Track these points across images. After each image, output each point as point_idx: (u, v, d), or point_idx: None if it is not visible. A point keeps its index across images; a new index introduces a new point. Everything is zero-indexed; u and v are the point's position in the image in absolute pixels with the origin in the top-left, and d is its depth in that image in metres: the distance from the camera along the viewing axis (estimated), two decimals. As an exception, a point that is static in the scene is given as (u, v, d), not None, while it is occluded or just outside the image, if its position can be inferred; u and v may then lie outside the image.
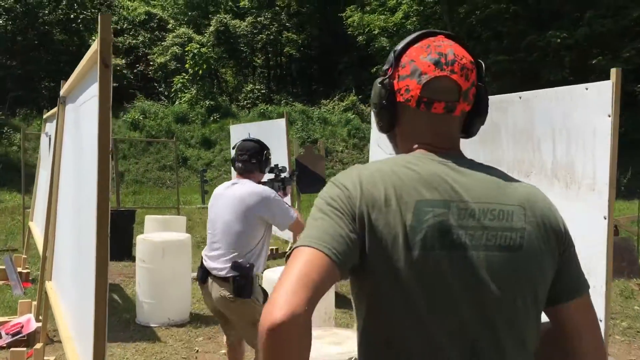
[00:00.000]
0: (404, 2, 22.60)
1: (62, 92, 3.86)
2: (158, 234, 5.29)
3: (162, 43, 26.41)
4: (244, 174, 3.47)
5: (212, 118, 22.77)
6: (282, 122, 5.38)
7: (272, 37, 27.84)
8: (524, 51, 17.88)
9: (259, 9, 28.25)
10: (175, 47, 25.67)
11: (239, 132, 6.92)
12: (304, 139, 20.71)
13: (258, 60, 29.42)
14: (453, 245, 1.08)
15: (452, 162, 1.16)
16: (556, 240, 1.16)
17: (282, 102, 25.19)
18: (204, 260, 3.43)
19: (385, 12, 23.24)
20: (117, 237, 7.14)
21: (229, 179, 20.92)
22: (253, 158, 3.48)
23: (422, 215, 1.07)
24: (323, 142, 9.28)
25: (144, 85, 26.06)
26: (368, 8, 23.54)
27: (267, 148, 3.60)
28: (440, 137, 1.18)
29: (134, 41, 26.91)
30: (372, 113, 1.34)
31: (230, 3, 29.84)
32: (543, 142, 2.74)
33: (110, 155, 2.09)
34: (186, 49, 24.15)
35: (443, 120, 1.18)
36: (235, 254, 3.29)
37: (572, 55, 17.39)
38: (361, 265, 1.08)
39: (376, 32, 22.56)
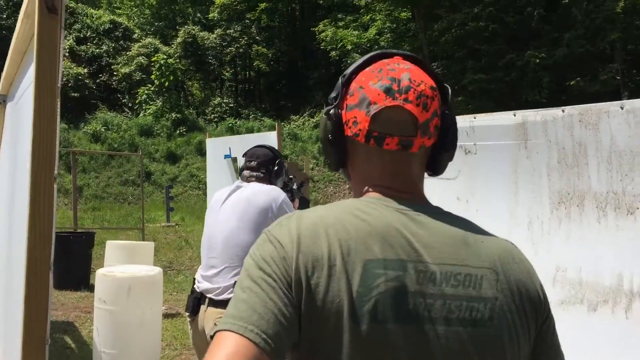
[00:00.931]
0: (377, 18, 22.23)
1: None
2: (122, 268, 4.42)
3: (127, 53, 25.43)
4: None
5: (178, 131, 22.01)
6: (273, 135, 4.63)
7: (241, 50, 27.24)
8: (502, 70, 17.60)
9: (229, 22, 27.59)
10: (140, 58, 24.75)
11: (217, 147, 6.13)
12: (274, 156, 19.99)
13: (226, 74, 28.73)
14: (408, 317, 0.90)
15: (411, 210, 0.98)
16: (534, 312, 0.99)
17: (251, 116, 24.61)
18: (197, 283, 2.77)
19: (359, 28, 22.84)
20: (72, 263, 6.23)
21: (195, 195, 20.14)
22: (263, 167, 2.91)
23: (372, 280, 0.90)
24: (307, 160, 8.53)
25: (107, 96, 25.03)
26: (341, 23, 23.09)
27: (280, 157, 3.03)
28: (397, 178, 1.02)
29: (97, 50, 25.83)
30: (322, 147, 1.13)
31: (198, 14, 29.12)
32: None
33: (56, 160, 1.38)
34: (152, 60, 23.27)
35: (399, 158, 1.01)
36: (240, 269, 2.60)
37: (550, 76, 17.17)
38: (300, 342, 0.90)
39: (349, 47, 22.07)
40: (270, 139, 4.62)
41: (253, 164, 2.92)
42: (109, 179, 19.23)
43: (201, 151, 21.03)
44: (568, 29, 16.68)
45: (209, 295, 2.66)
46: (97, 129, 20.63)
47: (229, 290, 2.63)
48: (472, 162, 2.99)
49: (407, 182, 1.03)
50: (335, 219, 0.94)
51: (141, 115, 22.81)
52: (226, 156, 5.66)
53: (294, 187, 3.12)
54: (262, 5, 27.48)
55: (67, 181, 18.50)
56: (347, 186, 19.45)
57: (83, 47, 25.27)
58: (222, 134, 20.99)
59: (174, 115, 22.37)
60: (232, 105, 26.48)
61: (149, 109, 22.73)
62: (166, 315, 4.90)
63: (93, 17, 27.11)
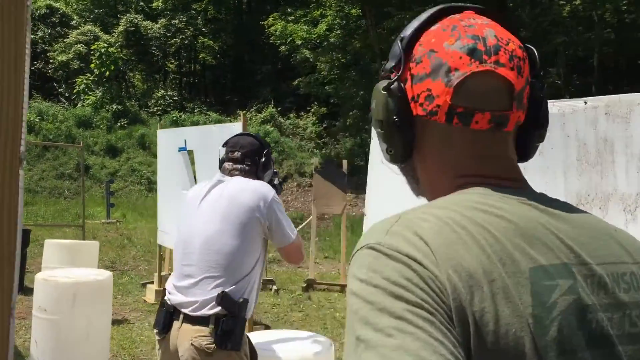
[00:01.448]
0: (328, 14, 21.99)
1: None
2: (65, 271, 3.91)
3: (65, 40, 24.23)
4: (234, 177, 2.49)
5: (119, 124, 21.11)
6: (237, 126, 4.22)
7: (186, 41, 26.49)
8: (452, 70, 17.73)
9: (173, 12, 26.73)
10: (79, 45, 23.63)
11: (170, 139, 5.66)
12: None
13: (171, 65, 27.88)
14: (596, 340, 0.67)
15: (533, 200, 0.75)
16: None
17: (196, 110, 23.93)
18: (169, 295, 2.35)
19: (309, 23, 22.55)
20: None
21: (137, 191, 19.41)
22: (248, 159, 2.48)
23: (546, 295, 0.67)
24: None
25: (42, 84, 23.78)
26: (291, 17, 22.74)
27: (268, 147, 2.60)
28: (497, 164, 0.78)
29: (32, 36, 24.37)
30: (376, 134, 0.86)
31: (141, 3, 28.09)
32: None
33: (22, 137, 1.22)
34: (92, 48, 22.22)
35: (493, 139, 0.78)
36: (222, 279, 2.26)
37: (499, 77, 17.44)
38: None
39: (299, 42, 21.75)
40: (233, 131, 4.22)
41: (236, 154, 2.50)
42: (43, 172, 18.19)
43: (143, 145, 20.24)
44: (516, 32, 16.96)
45: (183, 310, 2.27)
46: (31, 119, 19.47)
47: (209, 305, 2.24)
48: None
49: (509, 168, 0.80)
50: (465, 217, 0.70)
51: (79, 105, 21.78)
52: (181, 149, 5.21)
53: (276, 182, 2.71)
54: (209, -4, 26.81)
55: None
56: (296, 183, 19.11)
57: (17, 32, 23.97)
58: (166, 127, 20.25)
59: (114, 107, 21.44)
60: (176, 98, 25.72)
61: (88, 99, 21.73)
62: (112, 322, 4.44)
63: (28, 1, 25.74)
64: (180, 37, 26.22)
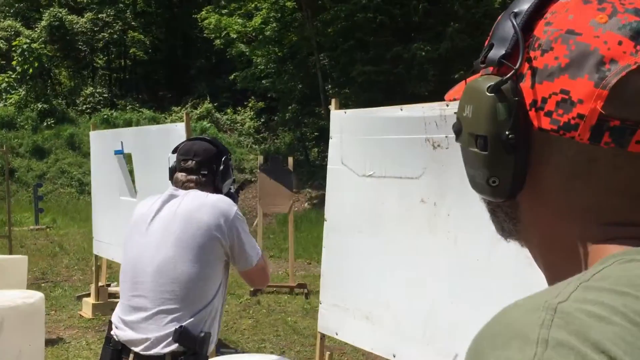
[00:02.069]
0: (263, 7, 21.61)
1: None
2: None
3: (-17, 36, 22.83)
4: (188, 189, 2.21)
5: (45, 123, 20.07)
6: (180, 127, 3.88)
7: (115, 36, 25.46)
8: (390, 63, 17.73)
9: (100, 5, 25.62)
10: (-1, 42, 22.31)
11: (104, 141, 5.24)
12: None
13: (99, 61, 26.78)
14: None
15: None
16: None
17: (128, 107, 23.09)
18: (115, 329, 2.06)
19: (244, 16, 22.11)
20: None
21: (67, 193, 18.56)
22: (204, 167, 2.19)
23: None
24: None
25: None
26: (225, 11, 22.22)
27: (227, 152, 2.29)
28: None
29: (-54, 33, 22.99)
30: (467, 155, 0.62)
31: (66, -4, 26.81)
32: None
33: None
34: (13, 44, 20.98)
35: None
36: (180, 312, 1.99)
37: (435, 69, 17.58)
38: None
39: (234, 36, 21.27)
40: (176, 131, 3.88)
41: (190, 163, 2.20)
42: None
43: (73, 145, 19.32)
44: (450, 23, 17.13)
45: (134, 349, 1.98)
46: (-52, 121, 18.25)
47: (165, 342, 1.95)
48: (443, 159, 2.51)
49: None
50: None
51: (1, 105, 20.54)
52: (117, 152, 4.80)
53: (232, 190, 2.42)
54: (138, -11, 25.89)
55: None
56: (254, 193, 18.73)
57: None
58: (98, 126, 19.41)
59: (40, 106, 20.38)
60: (106, 95, 24.78)
61: (10, 98, 20.57)
62: (45, 343, 4.03)
63: (-60, -5, 24.11)
64: (109, 31, 25.17)
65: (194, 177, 2.20)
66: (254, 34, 21.52)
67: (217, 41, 21.58)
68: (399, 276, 2.70)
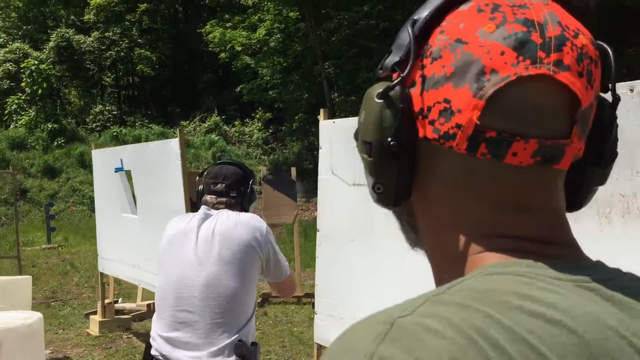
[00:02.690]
0: (266, 18, 21.74)
1: None
2: None
3: (-8, 59, 23.15)
4: (219, 209, 2.31)
5: (55, 143, 20.26)
6: (174, 143, 3.91)
7: (122, 54, 25.74)
8: (394, 69, 17.76)
9: (107, 24, 25.91)
10: (8, 64, 22.59)
11: (105, 159, 5.28)
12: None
13: (107, 79, 27.04)
14: None
15: (594, 280, 0.49)
16: None
17: (137, 124, 23.27)
18: (159, 348, 2.09)
19: (248, 29, 22.26)
20: None
21: (79, 211, 18.73)
22: (233, 190, 2.30)
23: None
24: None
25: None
26: (229, 24, 22.39)
27: (253, 176, 2.42)
28: (537, 219, 0.53)
29: (-44, 58, 23.34)
30: (363, 160, 0.59)
31: (72, 17, 27.12)
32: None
33: None
34: (22, 66, 21.25)
35: (535, 182, 0.53)
36: (228, 327, 2.09)
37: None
38: None
39: (239, 49, 21.40)
40: (170, 147, 3.91)
41: (220, 187, 2.29)
42: (-21, 199, 17.24)
43: (84, 163, 19.47)
44: (587, 21, 17.21)
45: None
46: (-40, 144, 18.50)
47: (220, 357, 2.01)
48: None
49: (556, 225, 0.54)
50: (501, 327, 0.44)
51: (12, 127, 20.76)
52: (117, 169, 4.84)
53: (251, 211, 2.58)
54: (143, 7, 26.10)
55: None
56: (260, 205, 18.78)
57: (-61, 55, 22.77)
58: (107, 143, 19.61)
59: (50, 126, 20.57)
60: (115, 112, 25.00)
61: (21, 119, 20.76)
62: (51, 362, 4.06)
63: (-51, 21, 24.50)
64: (115, 49, 25.46)
65: (224, 199, 2.29)
66: (258, 46, 21.66)
67: (222, 54, 21.72)
68: (390, 286, 2.69)
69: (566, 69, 0.50)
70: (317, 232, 3.12)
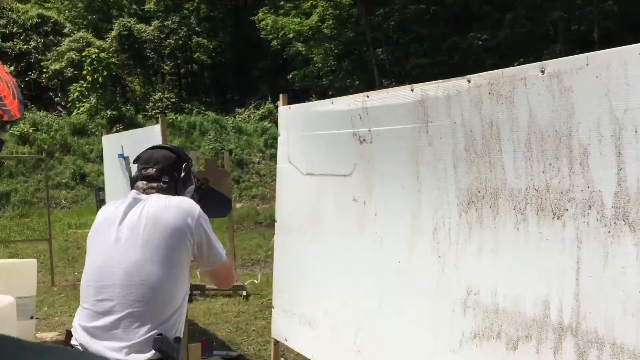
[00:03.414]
0: (319, 4, 21.57)
1: None
2: None
3: (57, 48, 24.08)
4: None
5: (114, 129, 20.86)
6: (156, 128, 3.87)
7: (180, 42, 26.24)
8: (446, 54, 17.24)
9: (166, 13, 26.47)
10: (71, 53, 23.47)
11: (112, 145, 5.34)
12: (217, 150, 19.30)
13: (166, 67, 27.67)
14: None
15: None
16: None
17: (194, 111, 23.70)
18: (79, 338, 2.01)
19: (300, 15, 22.16)
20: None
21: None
22: (165, 174, 2.17)
23: None
24: (228, 155, 7.84)
25: (39, 94, 23.71)
26: (282, 11, 22.35)
27: (187, 159, 2.28)
28: None
29: (25, 47, 24.42)
30: None
31: (134, 6, 27.88)
32: (594, 152, 1.46)
33: None
34: (83, 54, 22.02)
35: None
36: (149, 317, 1.98)
37: (493, 57, 16.92)
38: None
39: (291, 36, 21.34)
40: (153, 133, 3.87)
41: (151, 171, 2.18)
42: (39, 182, 18.04)
43: (139, 149, 20.04)
44: (509, 10, 16.42)
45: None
46: (25, 130, 19.35)
47: (137, 352, 1.92)
48: (368, 153, 2.34)
49: None
50: None
51: (74, 113, 21.58)
52: (120, 155, 4.89)
53: (194, 197, 2.36)
54: (201, -5, 26.53)
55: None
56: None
57: (9, 44, 23.88)
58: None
59: (109, 113, 21.23)
60: (173, 100, 25.52)
61: (82, 106, 21.53)
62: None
63: (19, 12, 25.60)
64: (174, 37, 25.98)
65: (154, 184, 2.18)
66: (310, 33, 21.53)
67: (274, 42, 21.73)
68: (335, 281, 2.55)
69: None
70: (275, 223, 3.00)
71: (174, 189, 2.21)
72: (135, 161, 2.38)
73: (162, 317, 2.00)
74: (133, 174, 2.34)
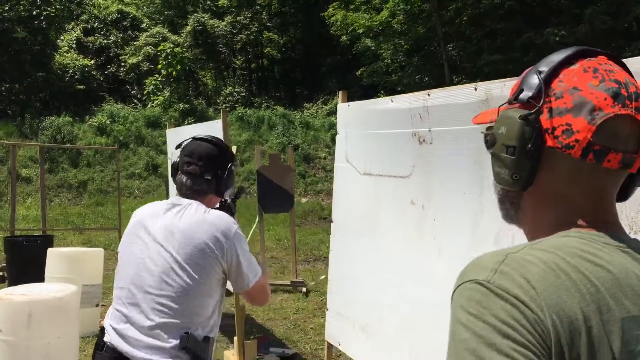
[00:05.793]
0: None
1: None
2: (25, 287, 3.60)
3: (135, 43, 24.97)
4: (191, 196, 2.10)
5: (186, 122, 21.42)
6: (218, 123, 3.88)
7: (252, 37, 26.64)
8: (520, 50, 16.62)
9: (239, 8, 26.92)
10: (148, 47, 24.28)
11: (174, 139, 5.40)
12: (285, 145, 19.47)
13: (237, 62, 28.15)
14: None
15: (630, 248, 0.86)
16: None
17: (263, 105, 24.01)
18: (109, 338, 2.02)
19: (370, 11, 21.96)
20: (29, 270, 5.63)
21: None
22: (208, 172, 2.09)
23: (634, 343, 0.78)
24: (292, 151, 7.83)
25: (116, 87, 24.69)
26: (352, 6, 22.22)
27: (232, 159, 2.18)
28: (603, 204, 0.89)
29: (105, 41, 25.46)
30: (497, 158, 0.92)
31: (208, 2, 28.51)
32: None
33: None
34: (158, 49, 22.73)
35: (610, 180, 0.89)
36: (179, 329, 1.95)
37: (572, 54, 16.19)
38: None
39: (360, 31, 21.19)
40: (215, 127, 3.88)
41: (194, 168, 2.10)
42: (114, 172, 18.76)
43: (209, 142, 20.47)
44: (589, 4, 15.64)
45: (135, 359, 1.95)
46: (103, 121, 20.18)
47: (167, 354, 1.92)
48: (427, 155, 2.22)
49: (610, 209, 0.89)
50: (569, 265, 0.80)
51: (149, 106, 22.32)
52: (177, 148, 4.94)
53: (229, 200, 2.28)
54: (273, -9, 26.79)
55: (71, 176, 18.17)
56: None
57: (90, 38, 24.95)
58: (232, 123, 20.48)
59: (181, 106, 21.81)
60: (244, 94, 25.93)
61: (157, 99, 22.23)
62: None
63: (100, 8, 26.70)
64: (246, 33, 26.38)
65: (197, 187, 2.10)
66: (380, 28, 21.31)
67: (344, 37, 21.65)
68: (392, 288, 2.44)
69: None
70: (332, 223, 2.92)
71: (215, 188, 2.14)
72: (177, 147, 2.30)
73: (191, 323, 1.96)
74: (174, 160, 2.26)
